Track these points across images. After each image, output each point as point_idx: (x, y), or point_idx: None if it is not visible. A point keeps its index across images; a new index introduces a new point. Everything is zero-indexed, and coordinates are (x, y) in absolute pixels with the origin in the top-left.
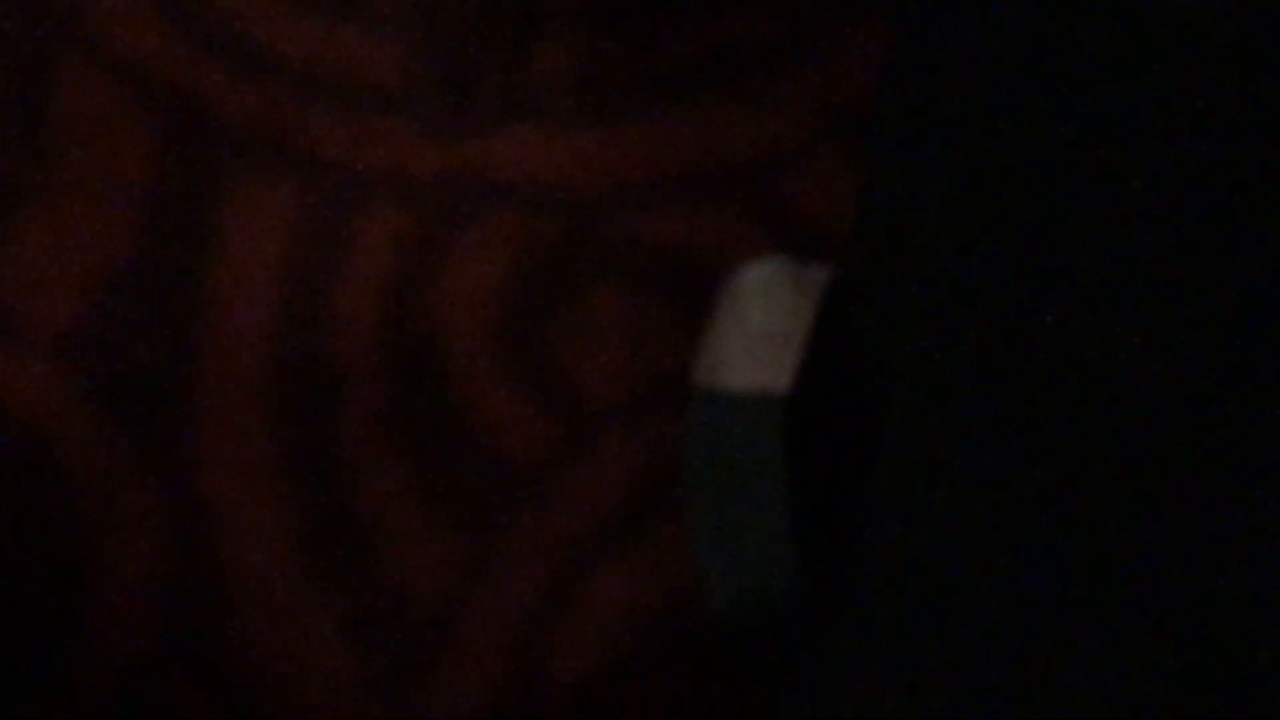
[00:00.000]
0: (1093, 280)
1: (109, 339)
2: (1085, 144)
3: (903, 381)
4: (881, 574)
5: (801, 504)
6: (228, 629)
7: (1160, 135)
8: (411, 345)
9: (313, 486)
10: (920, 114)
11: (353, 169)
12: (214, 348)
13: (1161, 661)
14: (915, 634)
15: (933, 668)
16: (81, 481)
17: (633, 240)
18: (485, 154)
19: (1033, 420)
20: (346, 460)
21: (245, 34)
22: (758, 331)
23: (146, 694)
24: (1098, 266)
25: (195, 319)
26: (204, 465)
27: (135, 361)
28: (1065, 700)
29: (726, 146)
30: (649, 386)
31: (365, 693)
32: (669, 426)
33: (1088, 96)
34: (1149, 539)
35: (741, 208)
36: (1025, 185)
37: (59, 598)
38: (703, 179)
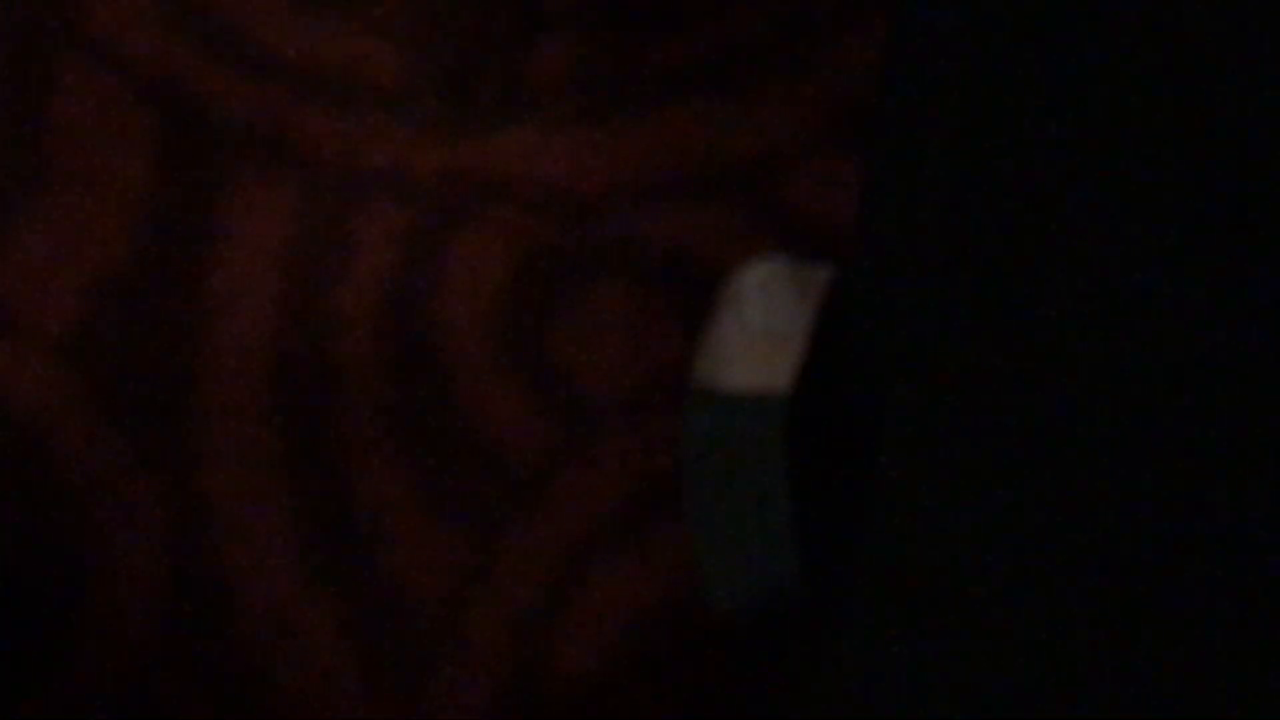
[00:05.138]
0: (1092, 278)
1: (109, 339)
2: (1084, 142)
3: (903, 381)
4: (881, 573)
5: (801, 504)
6: (228, 629)
7: (1160, 133)
8: (411, 344)
9: (313, 486)
10: (920, 114)
11: (353, 168)
12: (214, 347)
13: (1161, 660)
14: (915, 633)
15: (932, 667)
16: (81, 481)
17: (632, 240)
18: (485, 154)
19: (1032, 419)
20: (347, 459)
21: (245, 34)
22: (758, 331)
23: (146, 694)
24: (1097, 264)
25: (195, 318)
26: (204, 465)
27: (135, 361)
28: (1065, 700)
29: (726, 146)
30: (649, 386)
31: (366, 693)
32: (669, 426)
33: (1086, 95)
34: (1150, 538)
35: (741, 208)
36: (1025, 184)
37: (59, 597)
38: (703, 179)
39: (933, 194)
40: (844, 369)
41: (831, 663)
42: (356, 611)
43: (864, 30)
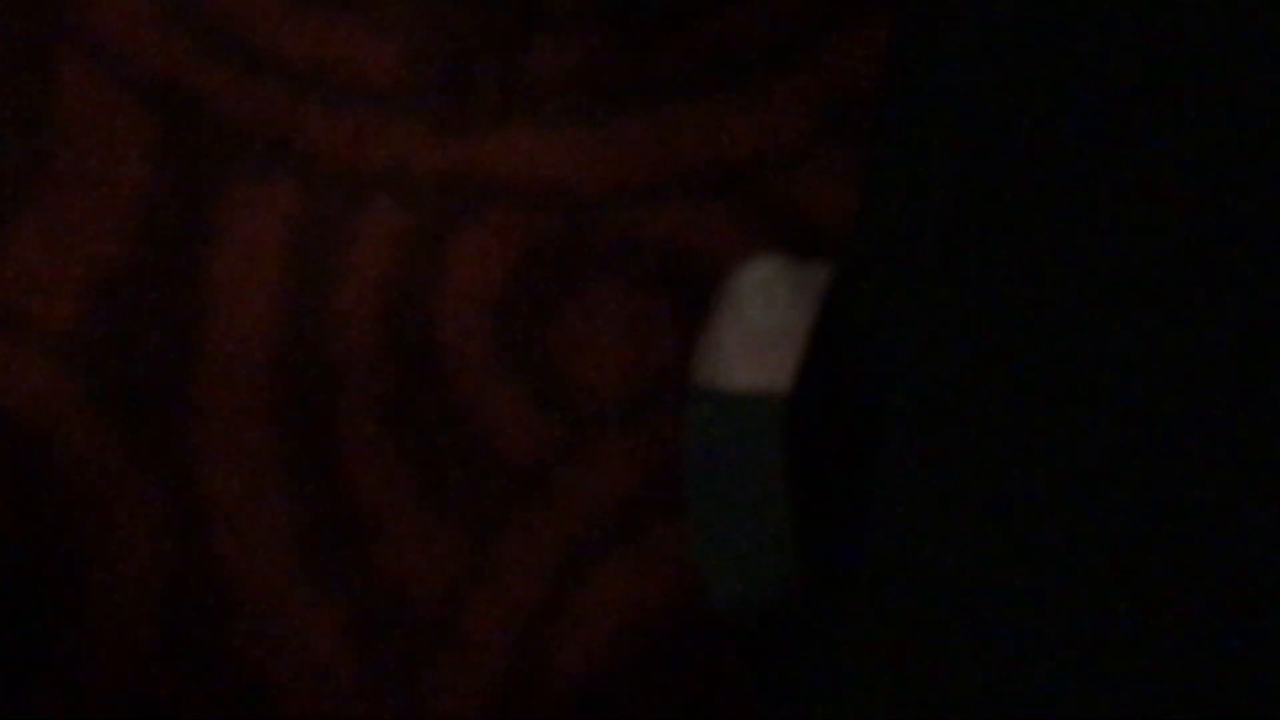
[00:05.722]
0: (1093, 279)
1: (109, 339)
2: (1085, 142)
3: (903, 381)
4: (880, 573)
5: (801, 504)
6: (228, 628)
7: (1161, 133)
8: (411, 343)
9: (312, 485)
10: (920, 114)
11: (352, 168)
12: (214, 346)
13: (1160, 661)
14: (914, 633)
15: (931, 666)
16: (81, 481)
17: (632, 240)
18: (485, 153)
19: (1032, 419)
20: (346, 459)
21: (245, 33)
22: (757, 331)
23: (147, 692)
24: (1098, 265)
25: (195, 318)
26: (204, 464)
27: (135, 361)
28: (1063, 700)
29: (726, 146)
30: (649, 386)
31: (366, 692)
32: (669, 426)
33: (1087, 94)
34: (1149, 539)
35: (741, 208)
36: (1025, 184)
37: (59, 596)
38: (703, 179)
39: (933, 193)
40: (844, 369)
41: (831, 663)
42: (356, 611)
43: (864, 30)
